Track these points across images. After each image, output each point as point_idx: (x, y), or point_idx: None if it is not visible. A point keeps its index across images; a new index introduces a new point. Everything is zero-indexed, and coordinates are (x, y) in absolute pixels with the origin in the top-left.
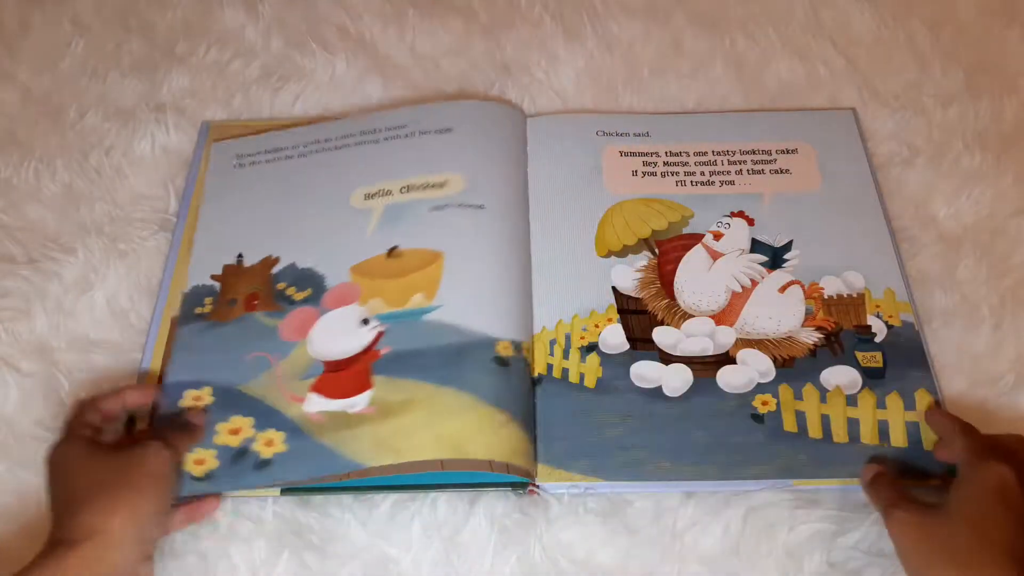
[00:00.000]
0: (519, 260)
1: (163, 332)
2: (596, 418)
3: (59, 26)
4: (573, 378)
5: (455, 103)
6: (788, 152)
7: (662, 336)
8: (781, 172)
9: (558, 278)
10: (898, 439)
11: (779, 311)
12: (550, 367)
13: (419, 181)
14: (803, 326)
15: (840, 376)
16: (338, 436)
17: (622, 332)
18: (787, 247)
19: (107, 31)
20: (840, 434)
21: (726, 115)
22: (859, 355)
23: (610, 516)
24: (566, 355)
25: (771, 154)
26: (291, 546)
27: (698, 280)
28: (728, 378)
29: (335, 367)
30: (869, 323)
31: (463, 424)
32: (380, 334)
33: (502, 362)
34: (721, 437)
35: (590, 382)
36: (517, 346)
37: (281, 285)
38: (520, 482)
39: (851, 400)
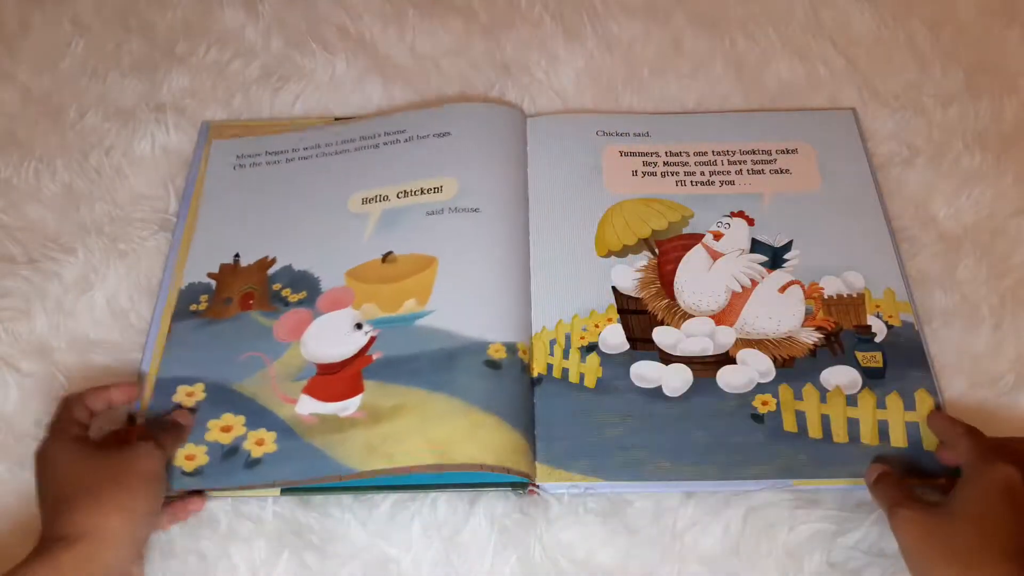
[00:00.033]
0: (515, 262)
1: (163, 332)
2: (596, 418)
3: (59, 26)
4: (573, 378)
5: (454, 106)
6: (788, 152)
7: (662, 336)
8: (781, 172)
9: (558, 278)
10: (898, 439)
11: (779, 311)
12: (550, 367)
13: (415, 186)
14: (803, 326)
15: (840, 376)
16: (329, 439)
17: (622, 332)
18: (787, 247)
19: (107, 31)
20: (840, 434)
21: (726, 115)
22: (859, 355)
23: (610, 516)
24: (566, 355)
25: (771, 154)
26: (291, 546)
27: (698, 280)
28: (728, 378)
29: (327, 370)
30: (869, 323)
31: (453, 429)
32: (373, 339)
33: (494, 365)
34: (721, 437)
35: (590, 382)
36: (511, 348)
37: (277, 286)
38: (520, 482)
39: (851, 400)
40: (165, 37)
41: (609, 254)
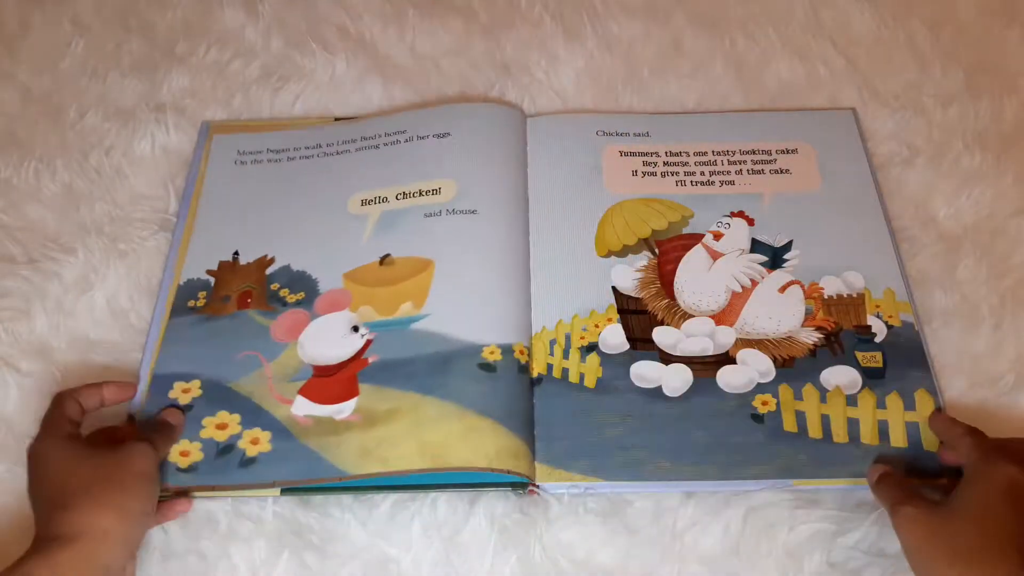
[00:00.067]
0: (513, 263)
1: (162, 331)
2: (596, 418)
3: (59, 26)
4: (573, 378)
5: (454, 106)
6: (788, 152)
7: (662, 336)
8: (781, 172)
9: (558, 278)
10: (898, 439)
11: (779, 311)
12: (550, 367)
13: (414, 188)
14: (803, 326)
15: (840, 376)
16: (323, 441)
17: (622, 332)
18: (787, 247)
19: (107, 31)
20: (840, 434)
21: (726, 115)
22: (859, 355)
23: (610, 516)
24: (566, 355)
25: (771, 154)
26: (291, 546)
27: (698, 280)
28: (728, 378)
29: (324, 372)
30: (869, 323)
31: (446, 433)
32: (369, 342)
33: (488, 368)
34: (721, 437)
35: (590, 382)
36: (507, 349)
37: (275, 286)
38: (520, 482)
39: (851, 400)
40: (165, 37)
41: (609, 254)
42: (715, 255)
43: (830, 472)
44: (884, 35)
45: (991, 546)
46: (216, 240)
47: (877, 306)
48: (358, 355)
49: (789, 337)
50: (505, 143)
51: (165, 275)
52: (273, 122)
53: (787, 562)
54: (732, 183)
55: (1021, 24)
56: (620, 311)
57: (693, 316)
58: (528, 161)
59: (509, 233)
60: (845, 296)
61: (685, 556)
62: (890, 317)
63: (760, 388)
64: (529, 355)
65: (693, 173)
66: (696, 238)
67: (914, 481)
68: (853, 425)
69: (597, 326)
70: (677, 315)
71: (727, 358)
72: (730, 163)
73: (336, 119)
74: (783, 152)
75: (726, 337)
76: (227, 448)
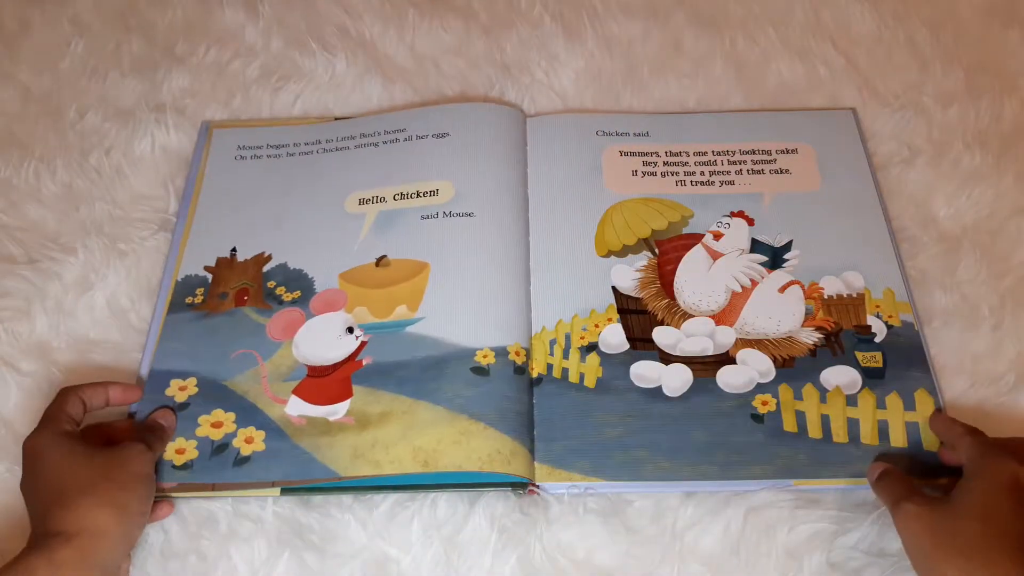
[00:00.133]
0: (510, 264)
1: (161, 329)
2: (596, 418)
3: (59, 26)
4: (573, 378)
5: (455, 106)
6: (788, 152)
7: (662, 336)
8: (781, 172)
9: (558, 278)
10: (898, 439)
11: (779, 311)
12: (550, 367)
13: (412, 188)
14: (803, 326)
15: (840, 376)
16: (317, 442)
17: (622, 332)
18: (787, 247)
19: (107, 31)
20: (840, 434)
21: (726, 115)
22: (859, 355)
23: (610, 516)
24: (566, 355)
25: (771, 154)
26: (291, 546)
27: (698, 280)
28: (728, 378)
29: (318, 372)
30: (869, 323)
31: (438, 438)
32: (363, 344)
33: (481, 371)
34: (721, 437)
35: (590, 382)
36: (501, 352)
37: (271, 283)
38: (520, 482)
39: (851, 400)
40: (165, 37)
41: (609, 254)
42: (715, 255)
43: (830, 472)
44: (884, 35)
45: (992, 542)
46: (214, 236)
47: (877, 306)
48: (352, 357)
49: (789, 337)
50: (505, 143)
51: (165, 272)
52: (272, 121)
53: (787, 562)
54: (732, 183)
55: (1021, 24)
56: (620, 311)
57: (693, 316)
58: (528, 161)
59: (506, 235)
60: (845, 296)
61: (685, 556)
62: (890, 317)
63: (760, 388)
64: (528, 356)
65: (693, 173)
66: (696, 238)
67: (915, 480)
68: (853, 425)
69: (597, 326)
70: (677, 315)
71: (727, 358)
72: (730, 163)
73: (336, 119)
74: (783, 152)
75: (726, 337)
76: (222, 447)
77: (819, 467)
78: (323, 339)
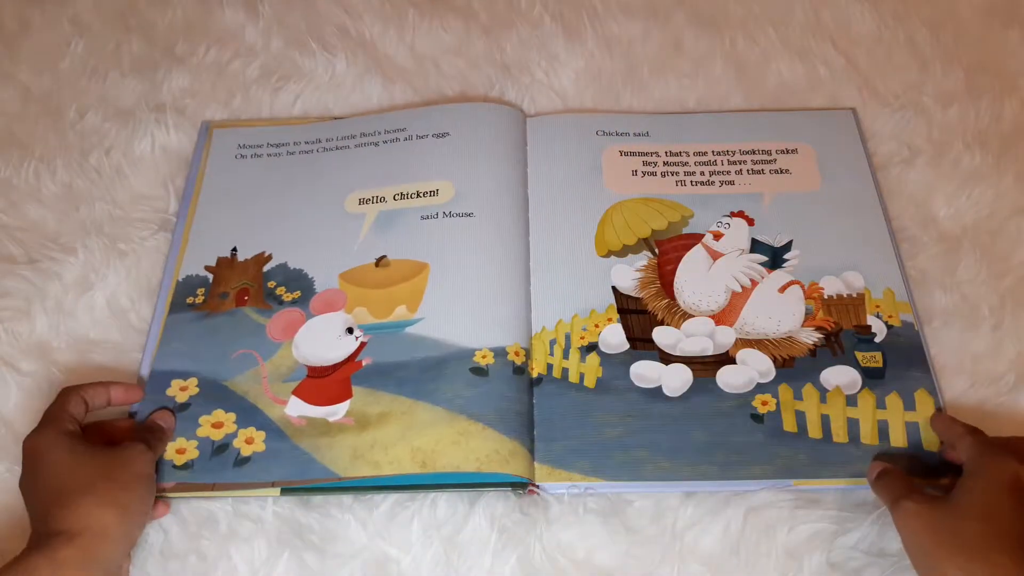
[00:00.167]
0: (509, 264)
1: (162, 329)
2: (596, 418)
3: (59, 26)
4: (573, 378)
5: (455, 106)
6: (788, 152)
7: (662, 336)
8: (781, 172)
9: (558, 278)
10: (898, 439)
11: (779, 311)
12: (550, 367)
13: (412, 188)
14: (803, 326)
15: (840, 376)
16: (316, 443)
17: (622, 332)
18: (787, 247)
19: (107, 31)
20: (840, 434)
21: (726, 115)
22: (859, 355)
23: (610, 516)
24: (566, 355)
25: (771, 154)
26: (291, 546)
27: (698, 280)
28: (728, 378)
29: (318, 373)
30: (869, 323)
31: (437, 438)
32: (363, 344)
33: (480, 372)
34: (721, 437)
35: (590, 382)
36: (500, 352)
37: (272, 283)
38: (520, 482)
39: (851, 400)
40: (165, 37)
41: (609, 254)
42: (715, 255)
43: (830, 472)
44: (884, 35)
45: (993, 541)
46: (215, 235)
47: (877, 306)
48: (352, 357)
49: (789, 337)
50: (505, 143)
51: (165, 272)
52: (272, 121)
53: (787, 562)
54: (732, 183)
55: (1021, 24)
56: (620, 311)
57: (693, 316)
58: (528, 161)
59: (505, 235)
60: (845, 296)
61: (685, 556)
62: (890, 317)
63: (760, 388)
64: (527, 356)
65: (693, 173)
66: (696, 238)
67: (915, 479)
68: (853, 425)
69: (597, 326)
70: (677, 315)
71: (727, 358)
72: (730, 163)
73: (335, 119)
74: (783, 152)
75: (726, 337)
76: (222, 447)
77: (819, 467)
78: (323, 339)
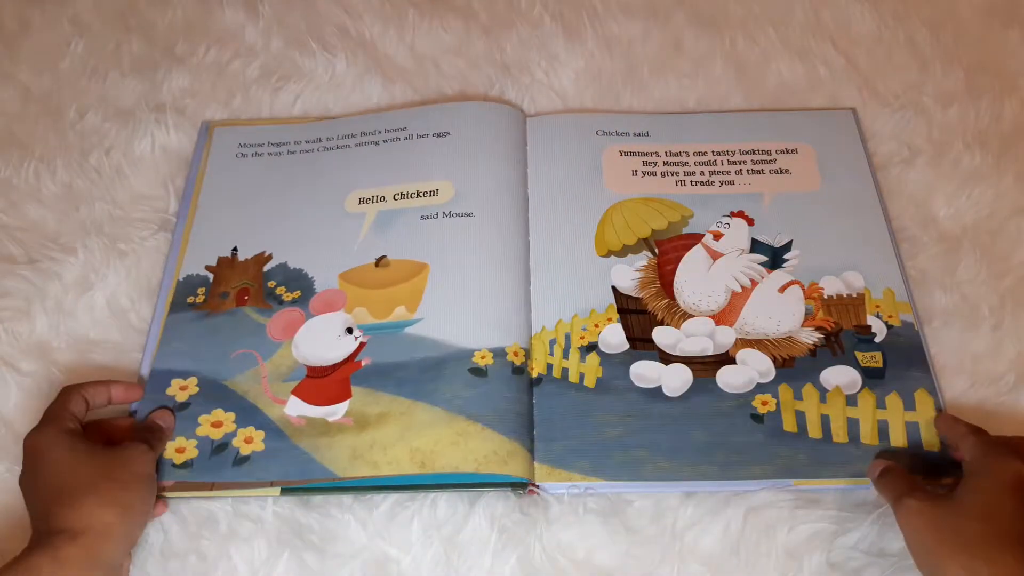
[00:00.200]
0: (509, 265)
1: (162, 329)
2: (596, 418)
3: (59, 26)
4: (573, 378)
5: (455, 105)
6: (788, 152)
7: (662, 336)
8: (781, 172)
9: (558, 278)
10: (898, 439)
11: (779, 311)
12: (550, 367)
13: (412, 188)
14: (803, 326)
15: (840, 376)
16: (316, 443)
17: (622, 332)
18: (787, 247)
19: (107, 31)
20: (840, 434)
21: (726, 115)
22: (859, 355)
23: (610, 516)
24: (566, 355)
25: (771, 154)
26: (291, 546)
27: (698, 280)
28: (728, 378)
29: (317, 373)
30: (869, 323)
31: (436, 439)
32: (363, 344)
33: (479, 372)
34: (721, 437)
35: (590, 382)
36: (499, 352)
37: (272, 283)
38: (520, 482)
39: (851, 400)
40: (165, 37)
41: (609, 254)
42: (715, 255)
43: (830, 472)
44: (884, 35)
45: (995, 540)
46: (216, 235)
47: (877, 306)
48: (351, 357)
49: (789, 337)
50: (505, 143)
51: (165, 272)
52: (272, 121)
53: (787, 562)
54: (732, 183)
55: (1021, 24)
56: (620, 311)
57: (693, 316)
58: (528, 161)
59: (505, 235)
60: (845, 296)
61: (685, 556)
62: (890, 317)
63: (760, 388)
64: (527, 356)
65: (693, 173)
66: (696, 238)
67: (917, 478)
68: (853, 425)
69: (597, 326)
70: (677, 315)
71: (727, 358)
72: (730, 163)
73: (336, 118)
74: (783, 152)
75: (726, 337)
76: (221, 446)
77: (819, 467)
78: (323, 339)
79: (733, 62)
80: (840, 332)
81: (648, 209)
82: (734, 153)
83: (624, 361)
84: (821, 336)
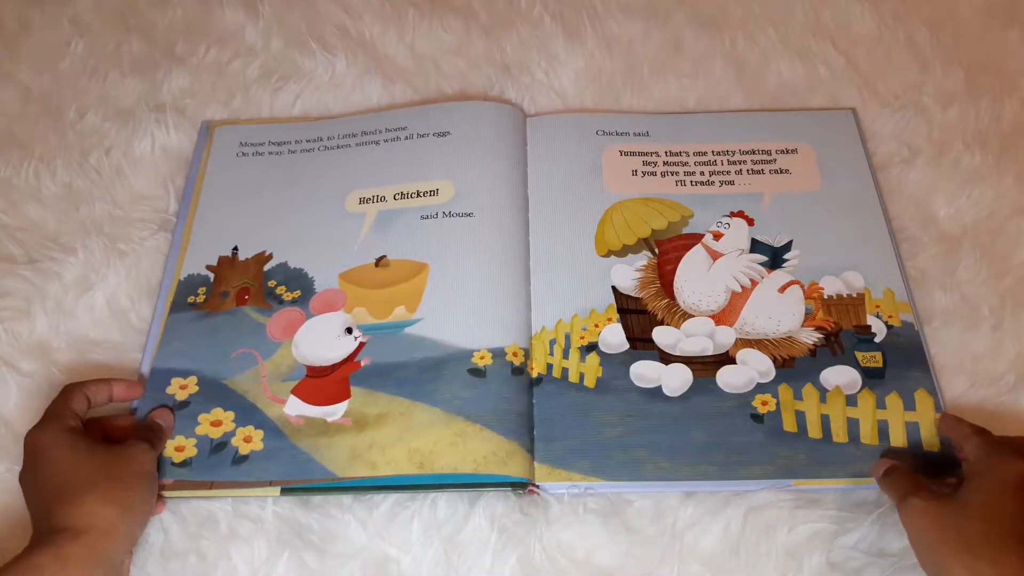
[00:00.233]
0: (508, 265)
1: (163, 328)
2: (596, 418)
3: (59, 26)
4: (573, 378)
5: (455, 105)
6: (788, 152)
7: (662, 336)
8: (781, 172)
9: (558, 278)
10: (898, 439)
11: (779, 311)
12: (550, 367)
13: (412, 188)
14: (803, 326)
15: (840, 376)
16: (315, 443)
17: (622, 332)
18: (787, 247)
19: (107, 31)
20: (840, 434)
21: (726, 115)
22: (859, 355)
23: (610, 516)
24: (566, 355)
25: (771, 154)
26: (291, 546)
27: (698, 280)
28: (728, 378)
29: (317, 373)
30: (869, 323)
31: (434, 439)
32: (362, 344)
33: (478, 373)
34: (721, 437)
35: (590, 382)
36: (498, 353)
37: (272, 283)
38: (520, 482)
39: (851, 400)
40: (165, 37)
41: (609, 254)
42: (715, 255)
43: (830, 472)
44: (884, 35)
45: (998, 539)
46: (216, 234)
47: (877, 306)
48: (351, 357)
49: (789, 337)
50: (505, 143)
51: (166, 272)
52: (274, 120)
53: (787, 562)
54: (732, 183)
55: (1021, 24)
56: (620, 311)
57: (693, 316)
58: (528, 161)
59: (505, 235)
60: (845, 296)
61: (685, 556)
62: (890, 317)
63: (760, 388)
64: (527, 356)
65: (693, 173)
66: (696, 238)
67: (921, 477)
68: (853, 425)
69: (597, 326)
70: (677, 315)
71: (727, 358)
72: (730, 163)
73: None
74: (783, 152)
75: (726, 337)
76: (220, 445)
77: (819, 467)
78: (322, 339)
79: (733, 62)
80: (840, 332)
81: (648, 209)
82: (734, 153)
83: (624, 361)
84: (821, 336)
